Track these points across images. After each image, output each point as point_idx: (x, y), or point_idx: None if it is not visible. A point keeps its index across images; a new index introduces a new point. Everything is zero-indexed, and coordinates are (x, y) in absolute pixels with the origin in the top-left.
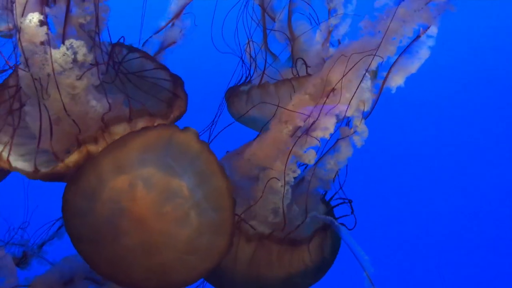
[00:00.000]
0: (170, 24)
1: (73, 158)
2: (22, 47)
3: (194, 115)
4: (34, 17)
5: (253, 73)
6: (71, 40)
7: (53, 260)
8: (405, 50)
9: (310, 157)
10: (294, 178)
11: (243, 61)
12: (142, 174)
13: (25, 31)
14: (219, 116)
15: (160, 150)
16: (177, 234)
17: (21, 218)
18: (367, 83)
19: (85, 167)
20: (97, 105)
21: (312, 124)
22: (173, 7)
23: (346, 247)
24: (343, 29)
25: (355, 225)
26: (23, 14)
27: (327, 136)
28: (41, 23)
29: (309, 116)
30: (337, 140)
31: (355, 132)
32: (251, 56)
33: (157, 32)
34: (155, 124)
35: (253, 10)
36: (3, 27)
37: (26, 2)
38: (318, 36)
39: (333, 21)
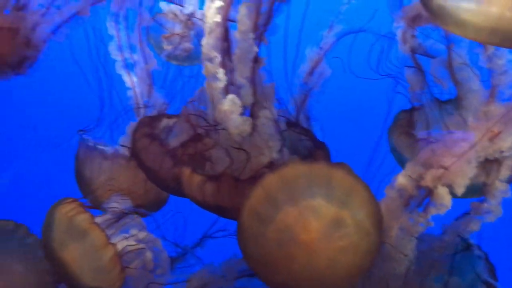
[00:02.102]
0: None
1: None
2: (219, 118)
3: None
4: (232, 100)
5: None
6: (266, 112)
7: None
8: None
9: (416, 231)
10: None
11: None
12: (312, 205)
13: (225, 109)
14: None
15: (325, 183)
16: (345, 261)
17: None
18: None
19: (263, 195)
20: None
21: (429, 198)
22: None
23: None
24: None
25: None
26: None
27: (442, 213)
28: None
29: (423, 187)
30: (468, 212)
31: (488, 212)
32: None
33: (306, 77)
34: (318, 162)
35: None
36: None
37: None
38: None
39: (495, 81)
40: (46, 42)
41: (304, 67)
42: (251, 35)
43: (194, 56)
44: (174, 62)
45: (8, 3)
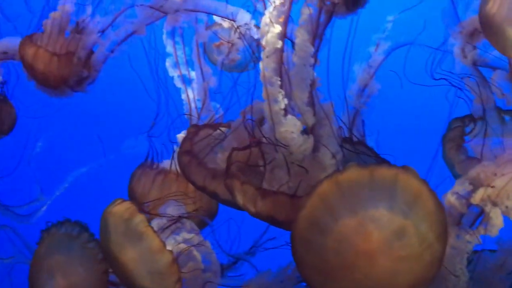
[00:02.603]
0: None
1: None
2: (279, 138)
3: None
4: (292, 121)
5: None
6: (326, 130)
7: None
8: None
9: (467, 250)
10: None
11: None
12: (373, 215)
13: (285, 130)
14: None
15: (389, 189)
16: (407, 271)
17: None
18: None
19: (320, 204)
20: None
21: (481, 218)
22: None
23: None
24: None
25: None
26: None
27: (493, 234)
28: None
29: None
30: None
31: None
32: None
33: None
34: (380, 166)
35: None
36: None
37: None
38: None
39: None
40: (105, 62)
41: (355, 84)
42: (311, 60)
43: (241, 65)
44: (225, 70)
45: (67, 27)
